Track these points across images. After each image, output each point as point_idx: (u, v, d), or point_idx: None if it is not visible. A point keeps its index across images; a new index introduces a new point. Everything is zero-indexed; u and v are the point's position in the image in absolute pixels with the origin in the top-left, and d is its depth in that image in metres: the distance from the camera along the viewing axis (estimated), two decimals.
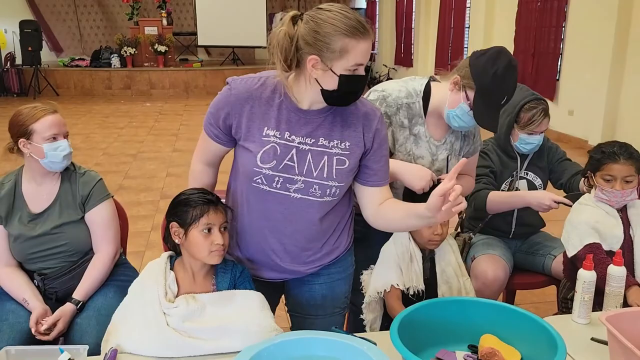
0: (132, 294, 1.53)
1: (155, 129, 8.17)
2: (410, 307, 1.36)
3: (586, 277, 1.58)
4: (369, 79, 1.94)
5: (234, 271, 1.57)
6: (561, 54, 7.44)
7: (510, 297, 2.92)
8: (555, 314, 2.24)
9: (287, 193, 1.52)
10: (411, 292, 1.76)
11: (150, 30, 11.80)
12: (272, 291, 1.70)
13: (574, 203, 2.06)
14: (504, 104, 1.73)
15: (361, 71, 1.43)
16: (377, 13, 14.57)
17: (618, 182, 1.89)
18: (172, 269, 1.55)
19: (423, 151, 1.91)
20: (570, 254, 1.93)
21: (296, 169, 1.50)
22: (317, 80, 1.43)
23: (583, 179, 2.08)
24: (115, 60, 11.70)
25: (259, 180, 1.51)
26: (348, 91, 1.43)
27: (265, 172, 1.49)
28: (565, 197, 2.13)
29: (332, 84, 1.41)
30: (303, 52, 1.40)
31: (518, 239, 2.50)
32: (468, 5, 9.98)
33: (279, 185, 1.51)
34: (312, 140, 1.51)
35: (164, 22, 12.07)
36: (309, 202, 1.53)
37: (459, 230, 2.55)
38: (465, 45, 10.14)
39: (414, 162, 1.89)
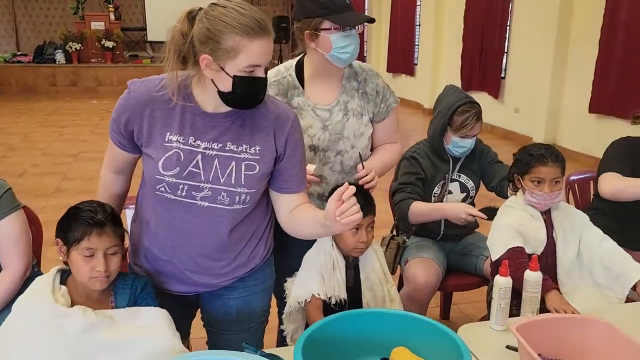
0: (17, 311, 1.37)
1: (100, 127, 7.92)
2: (318, 321, 1.31)
3: (502, 283, 1.57)
4: None
5: (134, 286, 1.46)
6: (506, 53, 7.58)
7: (448, 297, 2.94)
8: (484, 316, 2.25)
9: (194, 201, 1.44)
10: (333, 302, 1.72)
11: (97, 25, 11.46)
12: (186, 305, 1.63)
13: (488, 217, 2.07)
14: None
15: (259, 73, 1.35)
16: None
17: (547, 185, 1.89)
18: (64, 283, 1.41)
19: (309, 120, 1.87)
20: (494, 258, 1.92)
21: (202, 175, 1.42)
22: (213, 81, 1.36)
23: (509, 183, 2.08)
24: (59, 56, 11.29)
25: (162, 189, 1.43)
26: (245, 93, 1.35)
27: (168, 180, 1.41)
28: (480, 210, 2.15)
29: (226, 85, 1.34)
30: (197, 50, 1.33)
31: (452, 241, 2.50)
32: (418, 3, 10.07)
33: (184, 194, 1.43)
34: (219, 145, 1.43)
35: (112, 17, 11.74)
36: (218, 210, 1.45)
37: (393, 233, 2.54)
38: (417, 43, 10.24)
39: (304, 133, 1.82)
